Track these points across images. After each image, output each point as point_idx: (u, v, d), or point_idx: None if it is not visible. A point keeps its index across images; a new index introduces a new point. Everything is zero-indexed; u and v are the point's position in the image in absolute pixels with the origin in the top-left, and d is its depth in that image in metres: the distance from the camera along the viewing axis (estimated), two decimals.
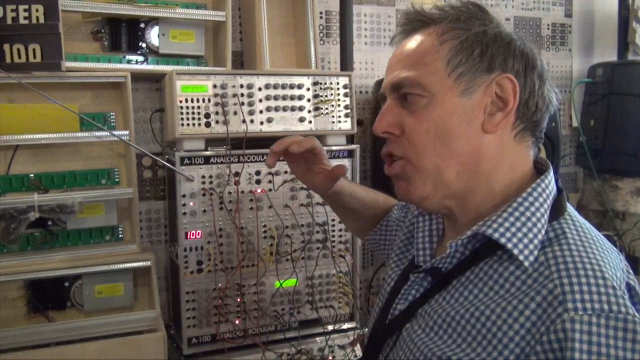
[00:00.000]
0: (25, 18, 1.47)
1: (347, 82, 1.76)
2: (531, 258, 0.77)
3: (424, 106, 0.84)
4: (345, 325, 1.79)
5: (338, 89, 1.74)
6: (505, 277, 0.78)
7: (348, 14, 1.96)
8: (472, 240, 0.85)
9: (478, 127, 0.83)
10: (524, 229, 0.79)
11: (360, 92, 2.14)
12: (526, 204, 0.81)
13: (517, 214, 0.80)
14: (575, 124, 2.47)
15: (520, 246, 0.78)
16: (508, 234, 0.79)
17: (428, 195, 0.86)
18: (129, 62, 1.73)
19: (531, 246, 0.78)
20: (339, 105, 1.74)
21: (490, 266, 0.81)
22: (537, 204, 0.81)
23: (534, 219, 0.80)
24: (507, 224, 0.79)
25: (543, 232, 0.79)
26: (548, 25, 2.47)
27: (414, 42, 0.87)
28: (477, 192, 0.85)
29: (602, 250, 0.78)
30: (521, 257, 0.77)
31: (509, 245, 0.78)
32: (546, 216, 0.81)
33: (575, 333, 0.67)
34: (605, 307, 0.69)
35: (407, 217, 1.17)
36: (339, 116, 1.74)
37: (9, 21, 1.46)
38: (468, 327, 0.78)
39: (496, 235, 0.79)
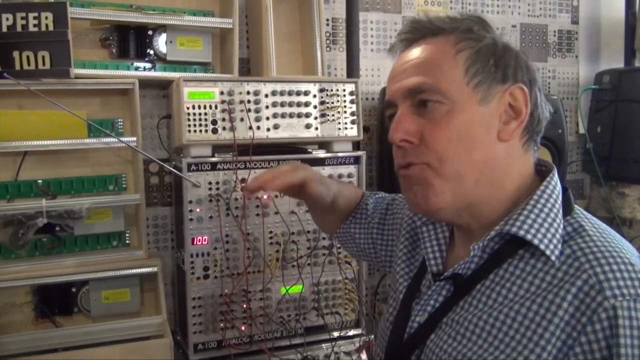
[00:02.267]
0: (34, 25, 1.48)
1: (354, 88, 1.76)
2: (557, 252, 0.79)
3: (444, 114, 0.83)
4: (351, 332, 1.79)
5: (344, 95, 1.74)
6: (534, 274, 0.80)
7: (354, 21, 1.97)
8: (490, 243, 0.85)
9: (494, 135, 0.84)
10: (546, 224, 0.81)
11: (367, 98, 2.15)
12: (542, 201, 0.83)
13: (536, 210, 0.82)
14: (581, 130, 2.47)
15: (546, 241, 0.80)
16: (532, 230, 0.80)
17: (446, 205, 0.85)
18: (136, 69, 1.74)
19: (555, 240, 0.80)
20: (345, 112, 1.74)
21: (515, 266, 0.82)
22: (551, 201, 0.83)
23: (552, 215, 0.82)
24: (529, 221, 0.81)
25: (562, 226, 0.82)
26: (554, 32, 2.47)
27: (425, 50, 0.87)
28: (490, 200, 0.86)
29: (619, 239, 0.81)
30: (548, 252, 0.79)
31: (535, 241, 0.80)
32: (561, 212, 0.83)
33: (619, 319, 0.69)
34: None
35: (401, 217, 1.15)
36: (345, 123, 1.74)
37: (19, 28, 1.48)
38: (504, 328, 0.78)
39: (521, 232, 0.81)
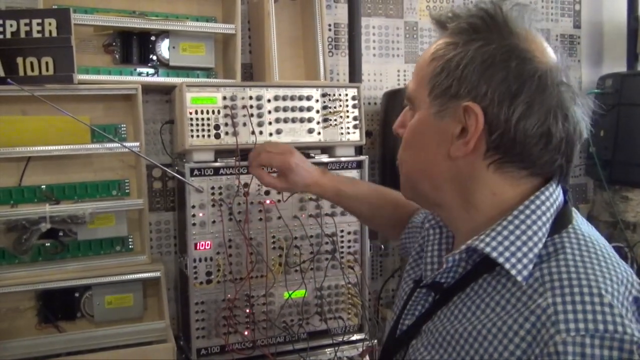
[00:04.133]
0: (38, 32, 1.49)
1: (356, 93, 1.76)
2: (525, 273, 0.74)
3: (411, 117, 0.88)
4: (354, 337, 1.78)
5: (347, 100, 1.75)
6: (502, 293, 0.76)
7: (356, 26, 1.98)
8: (473, 255, 0.83)
9: (445, 150, 0.81)
10: (518, 242, 0.76)
11: (369, 103, 2.15)
12: (522, 216, 0.78)
13: (511, 227, 0.77)
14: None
15: (513, 260, 0.75)
16: (500, 248, 0.76)
17: (412, 198, 0.94)
18: (139, 74, 1.75)
19: (525, 260, 0.75)
20: (347, 117, 1.75)
21: (488, 282, 0.79)
22: (533, 217, 0.78)
23: (529, 232, 0.77)
24: (500, 238, 0.77)
25: (540, 245, 0.76)
26: (557, 36, 2.47)
27: (428, 50, 0.87)
28: (460, 210, 0.84)
29: (606, 264, 0.74)
30: (514, 272, 0.74)
31: (501, 260, 0.75)
32: (544, 229, 0.77)
33: (568, 356, 0.64)
34: (600, 327, 0.66)
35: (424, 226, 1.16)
36: (348, 127, 1.75)
37: (23, 35, 1.49)
38: (466, 346, 0.76)
39: (488, 249, 0.77)
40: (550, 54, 0.80)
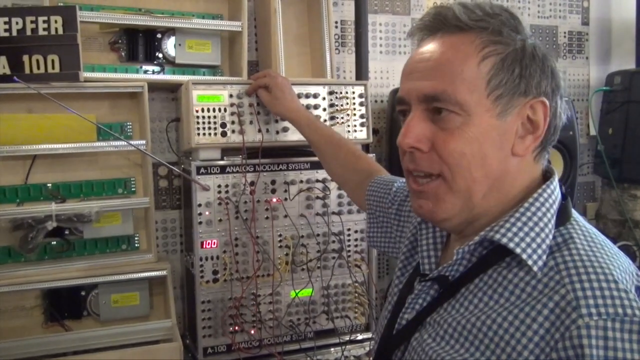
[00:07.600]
0: (44, 29, 1.49)
1: (363, 91, 1.75)
2: (540, 263, 0.76)
3: (459, 125, 0.79)
4: (361, 336, 1.78)
5: (354, 98, 1.74)
6: (515, 283, 0.77)
7: (363, 23, 1.97)
8: (478, 248, 0.83)
9: (508, 149, 0.80)
10: (532, 234, 0.78)
11: (376, 101, 2.14)
12: (533, 209, 0.80)
13: (524, 218, 0.79)
14: (593, 132, 2.45)
15: (529, 251, 0.77)
16: (516, 239, 0.78)
17: (453, 216, 0.83)
18: (145, 72, 1.74)
19: (539, 251, 0.77)
20: (354, 115, 1.74)
21: (499, 273, 0.80)
22: (543, 209, 0.80)
23: (541, 224, 0.79)
24: (514, 229, 0.78)
25: (550, 237, 0.79)
26: (565, 33, 2.45)
27: (447, 48, 0.80)
28: (494, 210, 0.83)
29: (611, 254, 0.77)
30: (530, 262, 0.76)
31: (518, 250, 0.77)
32: (553, 222, 0.80)
33: (592, 339, 0.66)
34: (620, 310, 0.68)
35: (410, 215, 1.14)
36: (355, 125, 1.74)
37: (29, 32, 1.48)
38: (480, 335, 0.77)
39: (504, 240, 0.78)
40: None
